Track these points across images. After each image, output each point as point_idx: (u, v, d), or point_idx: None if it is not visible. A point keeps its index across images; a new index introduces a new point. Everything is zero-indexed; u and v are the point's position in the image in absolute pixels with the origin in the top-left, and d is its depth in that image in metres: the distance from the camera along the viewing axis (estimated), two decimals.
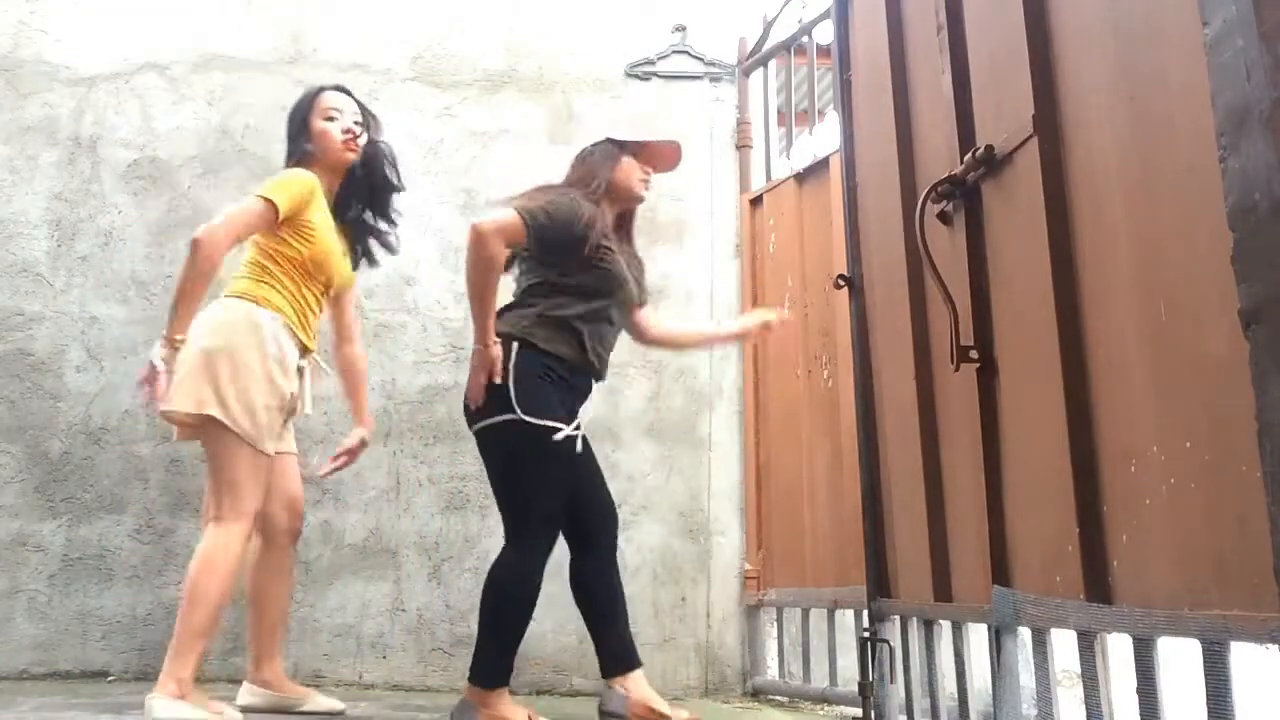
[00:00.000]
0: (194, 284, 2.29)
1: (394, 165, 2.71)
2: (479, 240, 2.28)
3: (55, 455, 3.29)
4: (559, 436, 2.28)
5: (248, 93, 3.58)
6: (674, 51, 3.67)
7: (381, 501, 3.30)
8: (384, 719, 2.52)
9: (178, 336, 2.28)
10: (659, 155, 2.55)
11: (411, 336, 3.43)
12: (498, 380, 2.28)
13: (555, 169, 2.66)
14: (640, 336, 2.67)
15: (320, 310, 2.60)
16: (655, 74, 3.65)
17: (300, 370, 2.51)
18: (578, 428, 2.36)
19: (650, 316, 2.67)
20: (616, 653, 2.38)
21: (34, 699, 2.64)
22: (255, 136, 3.52)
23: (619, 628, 2.41)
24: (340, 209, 2.63)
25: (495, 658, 2.28)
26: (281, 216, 2.40)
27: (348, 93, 2.69)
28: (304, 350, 2.52)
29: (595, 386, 2.48)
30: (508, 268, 2.45)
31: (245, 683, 2.59)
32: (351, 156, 2.61)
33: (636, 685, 2.35)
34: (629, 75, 3.65)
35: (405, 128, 3.57)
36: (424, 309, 3.45)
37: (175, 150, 3.50)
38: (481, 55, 3.65)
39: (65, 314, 3.39)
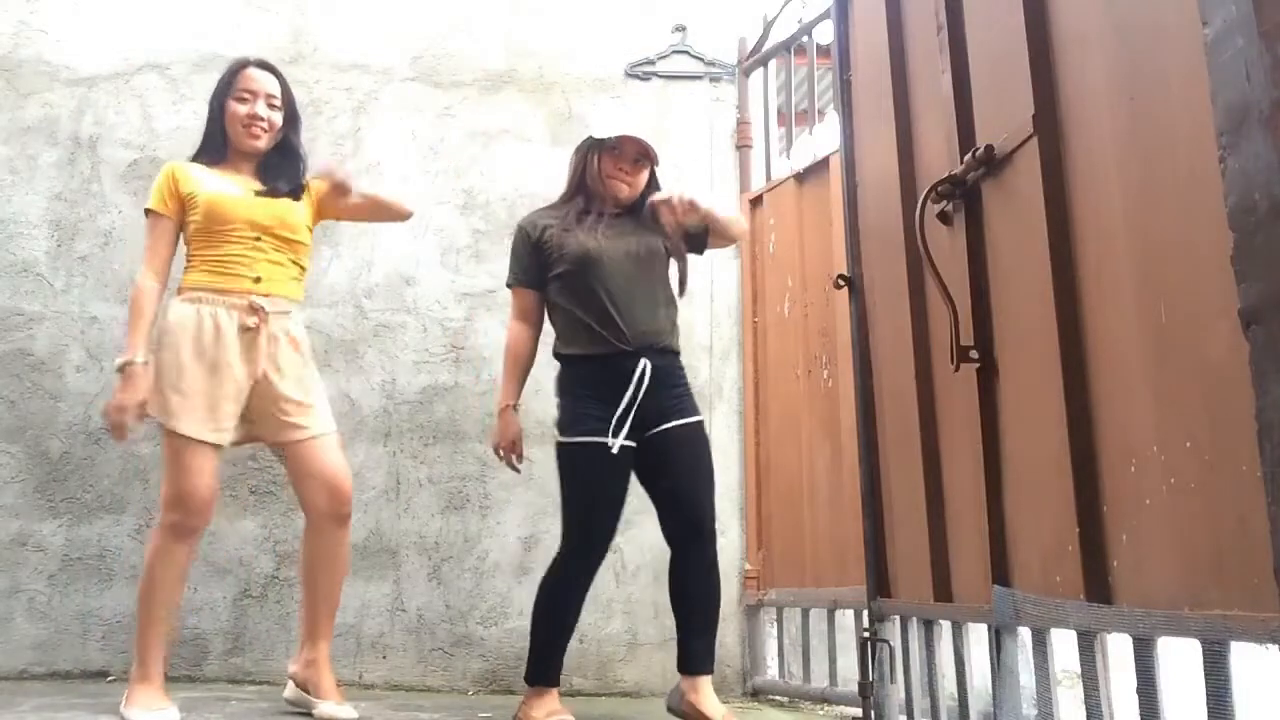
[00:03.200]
0: (135, 318, 2.46)
1: (287, 161, 2.63)
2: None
3: (55, 455, 3.29)
4: (614, 448, 2.37)
5: None
6: (674, 51, 3.67)
7: (381, 501, 3.30)
8: (384, 719, 2.52)
9: (135, 360, 2.42)
10: (623, 153, 2.53)
11: (411, 336, 3.43)
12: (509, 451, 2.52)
13: (555, 169, 2.67)
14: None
15: (263, 253, 2.50)
16: (655, 74, 3.65)
17: (252, 328, 2.43)
18: (616, 434, 2.37)
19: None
20: (681, 653, 2.43)
21: (34, 699, 2.64)
22: None
23: (691, 629, 2.42)
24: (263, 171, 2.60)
25: (531, 655, 2.43)
26: (166, 213, 2.50)
27: (274, 72, 2.62)
28: (250, 309, 2.44)
29: (645, 362, 2.40)
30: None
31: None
32: (254, 143, 2.56)
33: (693, 688, 2.39)
34: (629, 75, 3.65)
35: (405, 128, 3.57)
36: (424, 309, 3.45)
37: (175, 150, 3.48)
38: (481, 55, 3.65)
39: (65, 314, 3.39)
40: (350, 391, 3.35)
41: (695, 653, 2.40)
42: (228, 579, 3.22)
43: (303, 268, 2.61)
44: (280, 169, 2.61)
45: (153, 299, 2.47)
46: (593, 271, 2.43)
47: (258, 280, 2.49)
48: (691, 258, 2.64)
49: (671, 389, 2.46)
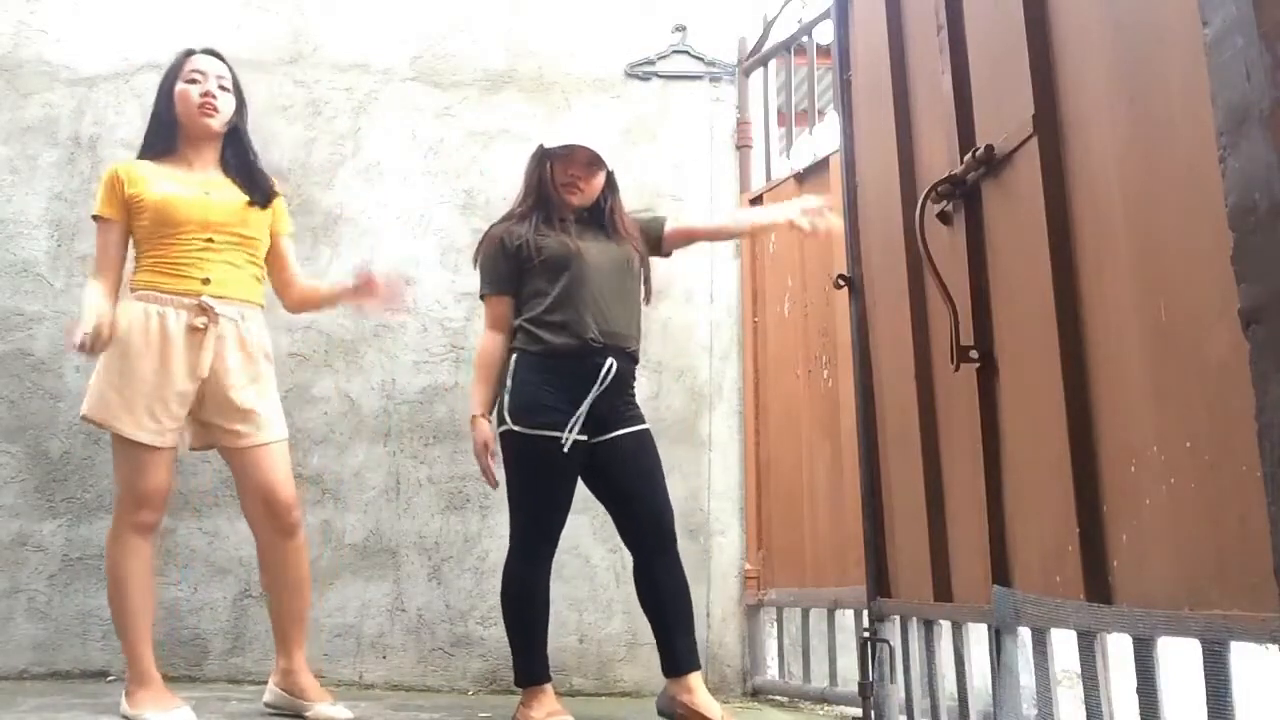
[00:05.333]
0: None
1: (249, 160, 2.63)
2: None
3: (55, 455, 3.29)
4: (565, 446, 2.37)
5: (247, 93, 3.54)
6: (674, 51, 3.67)
7: (381, 501, 3.30)
8: (384, 719, 2.52)
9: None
10: (574, 158, 2.54)
11: (411, 336, 3.43)
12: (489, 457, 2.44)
13: None
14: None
15: (216, 254, 2.46)
16: (655, 74, 3.65)
17: (200, 328, 2.40)
18: (576, 430, 2.38)
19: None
20: (666, 655, 2.43)
21: (34, 699, 2.64)
22: (254, 136, 3.50)
23: (673, 630, 2.42)
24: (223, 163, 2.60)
25: (513, 657, 2.43)
26: (114, 217, 2.49)
27: (219, 58, 2.61)
28: (200, 310, 2.41)
29: (611, 361, 2.42)
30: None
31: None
32: (209, 121, 2.52)
33: (685, 688, 2.38)
34: (629, 75, 3.65)
35: (405, 128, 3.57)
36: (424, 309, 3.45)
37: None
38: (481, 55, 3.65)
39: (65, 314, 3.38)
40: (350, 391, 3.35)
41: (680, 652, 2.41)
42: (228, 579, 3.22)
43: (262, 267, 2.60)
44: (249, 175, 2.60)
45: (100, 292, 2.44)
46: (573, 271, 2.45)
47: (206, 281, 2.44)
48: (676, 261, 2.64)
49: (625, 394, 2.49)
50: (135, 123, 3.53)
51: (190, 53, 2.59)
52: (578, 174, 2.54)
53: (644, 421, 2.54)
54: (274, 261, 2.65)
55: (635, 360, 2.54)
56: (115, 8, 3.62)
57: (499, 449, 2.45)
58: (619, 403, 2.47)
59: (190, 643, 3.17)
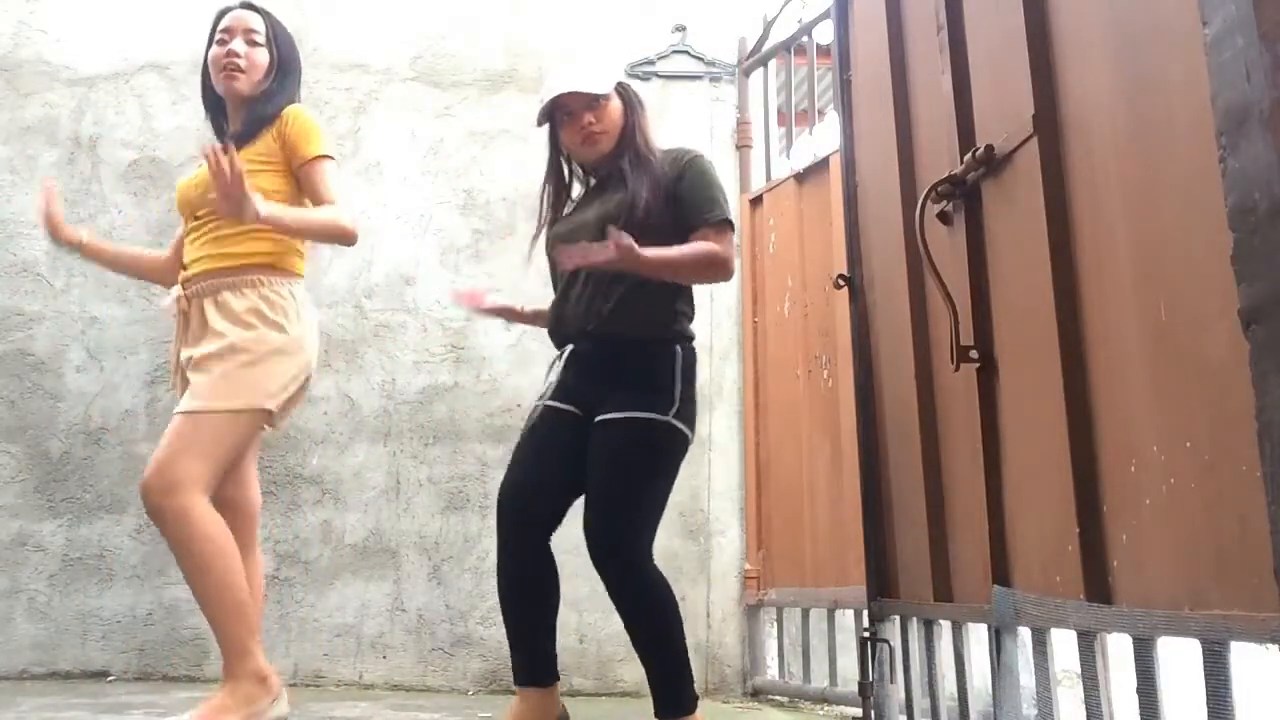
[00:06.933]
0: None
1: (255, 119, 2.26)
2: None
3: (55, 455, 3.29)
4: (536, 412, 2.17)
5: None
6: (674, 51, 3.67)
7: (381, 501, 3.30)
8: (384, 719, 2.52)
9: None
10: (567, 104, 2.19)
11: (411, 336, 3.43)
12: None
13: None
14: None
15: (199, 234, 2.23)
16: (655, 74, 3.65)
17: (174, 317, 2.23)
18: (548, 396, 2.16)
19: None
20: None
21: (34, 699, 2.64)
22: None
23: (642, 663, 2.10)
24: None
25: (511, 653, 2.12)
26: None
27: (253, 8, 2.31)
28: (177, 300, 2.23)
29: (568, 348, 2.17)
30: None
31: None
32: (231, 84, 2.24)
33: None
34: (629, 75, 3.64)
35: (405, 128, 3.57)
36: (424, 309, 3.45)
37: (175, 150, 3.50)
38: (481, 55, 3.65)
39: (65, 314, 3.39)
40: (350, 391, 3.35)
41: (654, 690, 2.02)
42: None
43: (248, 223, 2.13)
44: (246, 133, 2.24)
45: (146, 254, 2.57)
46: (551, 256, 2.28)
47: (185, 268, 2.25)
48: None
49: (613, 379, 2.09)
50: (135, 122, 3.54)
51: (223, 12, 2.32)
52: (586, 121, 2.18)
53: (640, 409, 2.05)
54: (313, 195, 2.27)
55: (630, 341, 2.12)
56: (115, 8, 3.62)
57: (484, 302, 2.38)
58: (604, 389, 2.09)
59: (190, 643, 3.17)
